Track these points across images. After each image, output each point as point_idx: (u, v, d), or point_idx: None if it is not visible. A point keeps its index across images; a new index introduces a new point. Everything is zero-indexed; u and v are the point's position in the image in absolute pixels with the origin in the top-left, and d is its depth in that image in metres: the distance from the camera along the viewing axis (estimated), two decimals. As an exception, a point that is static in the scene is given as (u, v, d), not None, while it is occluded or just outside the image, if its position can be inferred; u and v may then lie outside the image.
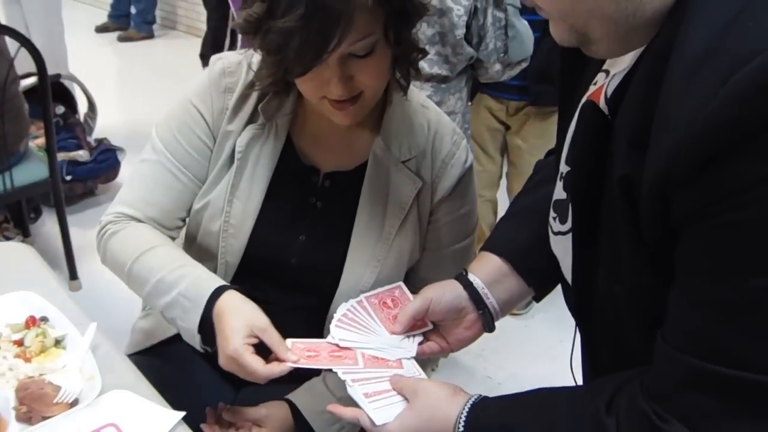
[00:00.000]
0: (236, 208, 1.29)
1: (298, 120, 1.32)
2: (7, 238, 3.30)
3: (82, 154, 3.80)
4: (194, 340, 1.20)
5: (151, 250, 1.28)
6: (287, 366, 1.09)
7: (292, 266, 1.32)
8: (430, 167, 1.31)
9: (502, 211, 2.97)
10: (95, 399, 1.16)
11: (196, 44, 6.00)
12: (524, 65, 2.18)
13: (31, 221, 3.61)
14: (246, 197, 1.30)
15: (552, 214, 1.03)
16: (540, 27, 2.22)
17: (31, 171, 2.98)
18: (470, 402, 0.97)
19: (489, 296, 1.16)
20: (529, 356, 2.80)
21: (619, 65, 0.87)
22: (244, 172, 1.30)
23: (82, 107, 3.94)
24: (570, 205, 0.93)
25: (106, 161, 3.84)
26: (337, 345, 1.14)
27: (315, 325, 1.32)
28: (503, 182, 2.97)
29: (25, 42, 2.74)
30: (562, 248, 1.00)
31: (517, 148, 2.76)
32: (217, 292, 1.17)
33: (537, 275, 1.18)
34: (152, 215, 1.33)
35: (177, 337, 1.31)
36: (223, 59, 1.34)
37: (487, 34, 2.04)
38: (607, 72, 0.92)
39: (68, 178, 3.69)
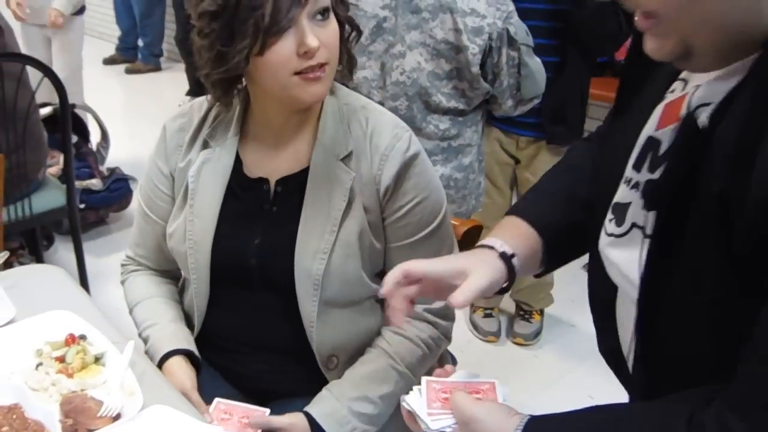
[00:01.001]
0: (197, 227, 1.43)
1: (245, 139, 1.45)
2: (22, 264, 3.33)
3: (95, 183, 3.85)
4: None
5: (137, 305, 1.57)
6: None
7: (252, 267, 1.41)
8: (369, 162, 1.38)
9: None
10: (137, 414, 1.20)
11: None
12: (536, 102, 2.24)
13: (44, 248, 3.62)
14: (203, 215, 1.43)
15: (609, 215, 1.02)
16: (552, 68, 2.30)
17: (49, 199, 3.03)
18: (524, 422, 0.95)
19: (517, 270, 1.14)
20: (539, 386, 2.82)
21: (701, 76, 0.87)
22: (199, 193, 1.44)
23: (94, 137, 3.99)
24: (645, 211, 0.92)
25: (118, 190, 3.90)
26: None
27: (294, 324, 1.41)
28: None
29: (48, 73, 2.80)
30: (617, 251, 0.99)
31: (527, 181, 2.80)
32: (164, 358, 1.44)
33: (556, 261, 1.21)
34: (141, 253, 1.60)
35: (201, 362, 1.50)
36: (175, 113, 1.53)
37: (501, 72, 2.10)
38: (685, 81, 0.92)
39: (82, 206, 3.69)
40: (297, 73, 1.25)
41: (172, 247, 1.49)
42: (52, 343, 1.37)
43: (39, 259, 3.47)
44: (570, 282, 3.35)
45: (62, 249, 3.64)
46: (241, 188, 1.44)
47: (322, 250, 1.36)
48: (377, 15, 2.11)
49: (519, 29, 2.09)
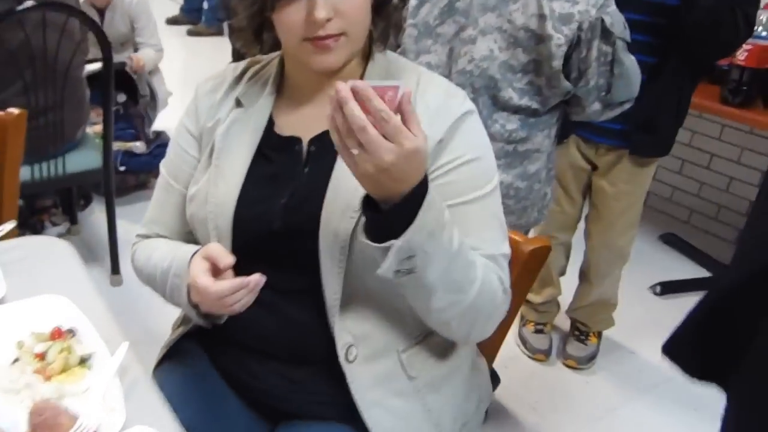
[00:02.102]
0: (220, 189, 1.29)
1: (280, 99, 1.35)
2: (54, 224, 3.23)
3: (138, 146, 3.74)
4: (192, 314, 1.27)
5: (154, 251, 1.38)
6: (236, 280, 1.14)
7: (276, 233, 1.26)
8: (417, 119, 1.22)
9: (576, 256, 2.83)
10: (117, 434, 1.00)
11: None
12: (627, 106, 1.93)
13: (80, 208, 3.55)
14: (228, 177, 1.30)
15: None
16: (647, 69, 2.00)
17: (85, 159, 2.91)
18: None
19: None
20: (588, 417, 2.57)
21: None
22: (225, 153, 1.31)
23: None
24: None
25: (162, 155, 3.69)
26: None
27: (317, 314, 1.26)
28: (581, 224, 2.75)
29: (93, 26, 2.65)
30: None
31: (601, 191, 2.54)
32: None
33: None
34: (159, 231, 1.44)
35: (211, 374, 1.37)
36: (209, 75, 1.44)
37: (589, 69, 1.81)
38: None
39: (122, 168, 3.62)
40: (306, 40, 1.17)
41: (191, 214, 1.34)
42: (37, 335, 1.19)
43: (73, 220, 3.41)
44: (634, 304, 3.14)
45: (99, 210, 3.49)
46: (271, 149, 1.31)
47: (353, 207, 1.18)
48: None
49: (616, 20, 1.79)
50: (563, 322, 2.95)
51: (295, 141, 1.30)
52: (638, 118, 2.24)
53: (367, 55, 1.30)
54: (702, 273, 3.51)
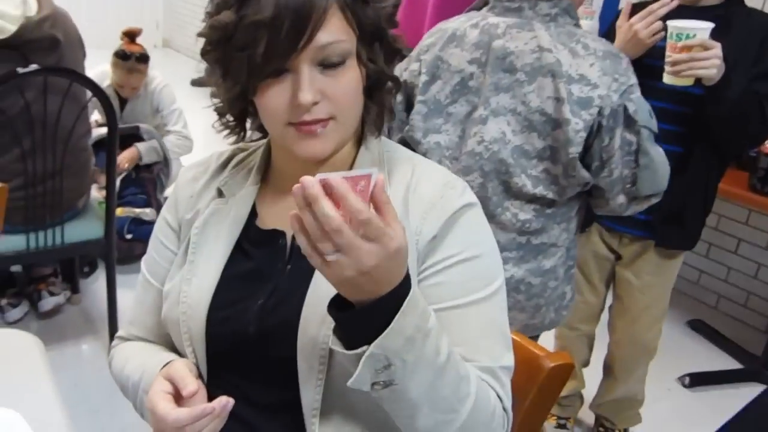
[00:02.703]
0: (193, 288, 1.19)
1: (264, 189, 1.26)
2: (52, 294, 3.13)
3: (148, 212, 3.68)
4: None
5: (128, 361, 1.28)
6: (197, 409, 1.03)
7: (250, 339, 1.15)
8: (409, 216, 1.14)
9: (599, 346, 2.67)
10: None
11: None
12: (654, 201, 1.79)
13: (84, 276, 3.46)
14: (203, 275, 1.19)
15: None
16: (673, 159, 1.88)
17: (86, 228, 2.82)
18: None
19: None
20: None
21: None
22: (201, 248, 1.21)
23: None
24: None
25: (171, 224, 3.65)
26: None
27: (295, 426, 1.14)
28: (604, 315, 2.62)
29: (97, 92, 2.58)
30: None
31: (626, 282, 2.42)
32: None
33: None
34: (138, 334, 1.33)
35: None
36: (192, 162, 1.36)
37: (612, 159, 1.67)
38: None
39: (128, 236, 3.54)
40: (290, 125, 1.07)
41: (164, 314, 1.23)
42: None
43: (74, 289, 3.32)
44: (662, 396, 2.98)
45: (104, 278, 3.32)
46: (252, 244, 1.21)
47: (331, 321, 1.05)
48: (462, 70, 1.75)
49: (641, 108, 1.67)
50: (588, 416, 2.80)
51: (279, 235, 1.20)
52: (664, 208, 2.11)
53: (359, 142, 1.21)
54: (731, 363, 3.37)
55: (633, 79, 1.67)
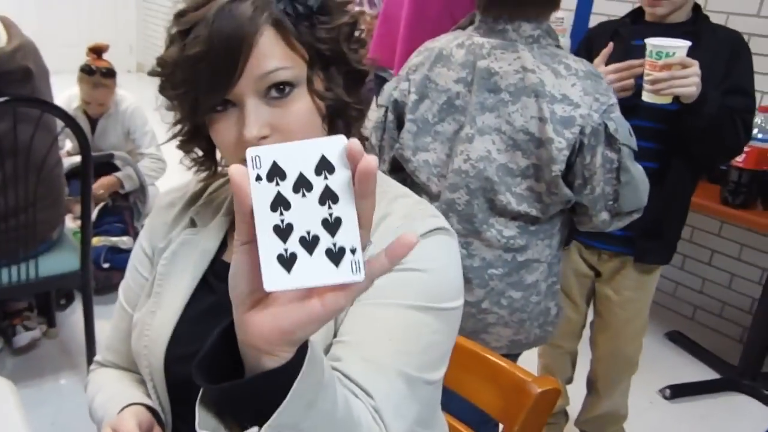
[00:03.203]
0: (156, 322, 1.17)
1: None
2: (27, 328, 3.08)
3: (125, 241, 3.65)
4: None
5: (98, 393, 1.26)
6: None
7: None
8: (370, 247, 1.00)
9: (583, 364, 2.66)
10: None
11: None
12: (635, 216, 1.83)
13: (61, 309, 3.42)
14: (166, 308, 1.17)
15: None
16: (652, 175, 1.91)
17: (61, 261, 2.77)
18: None
19: None
20: None
21: None
22: (167, 281, 1.19)
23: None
24: None
25: (149, 251, 3.62)
26: None
27: None
28: (585, 332, 2.63)
29: (69, 121, 2.55)
30: None
31: (606, 298, 2.43)
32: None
33: None
34: (113, 360, 1.33)
35: None
36: (170, 187, 1.34)
37: (594, 176, 1.71)
38: None
39: (106, 265, 3.51)
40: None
41: (132, 346, 1.21)
42: None
43: (50, 322, 3.26)
44: (644, 409, 3.02)
45: (81, 310, 3.31)
46: (216, 277, 1.18)
47: None
48: (449, 89, 1.77)
49: (621, 126, 1.69)
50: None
51: None
52: (643, 224, 2.11)
53: None
54: (710, 373, 3.41)
55: (613, 99, 1.70)
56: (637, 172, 1.73)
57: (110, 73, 3.58)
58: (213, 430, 0.74)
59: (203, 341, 1.06)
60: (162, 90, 1.07)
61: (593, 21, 4.10)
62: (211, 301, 1.16)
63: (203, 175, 1.20)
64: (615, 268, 2.38)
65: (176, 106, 1.07)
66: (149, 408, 1.15)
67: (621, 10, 3.89)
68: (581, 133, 1.66)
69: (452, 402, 1.31)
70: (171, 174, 3.92)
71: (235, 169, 0.63)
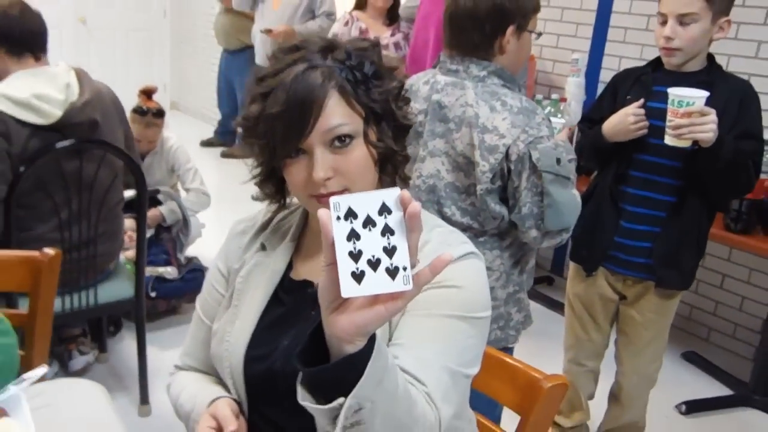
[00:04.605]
0: (236, 329, 1.39)
1: (300, 246, 1.45)
2: (82, 353, 3.29)
3: (170, 271, 3.83)
4: None
5: (183, 390, 1.48)
6: None
7: (277, 373, 1.33)
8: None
9: (603, 380, 2.85)
10: None
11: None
12: (565, 236, 2.04)
13: (110, 335, 3.61)
14: (244, 318, 1.39)
15: None
16: (667, 208, 2.28)
17: (117, 288, 2.98)
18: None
19: None
20: None
21: None
22: (244, 295, 1.41)
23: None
24: None
25: (193, 280, 3.85)
26: None
27: None
28: (608, 350, 2.82)
29: (127, 159, 2.79)
30: None
31: (631, 319, 2.62)
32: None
33: None
34: (192, 364, 1.55)
35: None
36: (242, 216, 1.58)
37: (521, 198, 1.97)
38: None
39: (153, 294, 3.69)
40: (313, 197, 1.26)
41: (212, 350, 1.44)
42: None
43: (102, 348, 3.46)
44: (660, 425, 3.15)
45: (129, 336, 3.57)
46: (285, 292, 1.41)
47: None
48: (416, 118, 2.05)
49: (544, 156, 1.93)
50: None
51: (308, 284, 1.39)
52: (662, 253, 2.41)
53: None
54: (723, 390, 3.56)
55: (543, 132, 1.95)
56: (561, 196, 1.96)
57: (160, 113, 3.84)
58: (310, 402, 0.98)
59: (276, 344, 1.33)
60: (245, 138, 1.30)
61: (605, 62, 4.36)
62: (281, 312, 1.39)
63: (273, 207, 1.44)
64: (639, 292, 2.57)
65: (256, 152, 1.31)
66: (234, 400, 1.38)
67: (632, 52, 4.19)
68: (507, 160, 1.94)
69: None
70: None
71: (323, 213, 0.87)
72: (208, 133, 7.83)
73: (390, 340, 1.26)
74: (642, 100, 2.32)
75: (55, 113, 2.55)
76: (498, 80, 2.02)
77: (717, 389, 3.58)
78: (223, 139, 7.65)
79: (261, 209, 1.53)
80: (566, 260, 4.68)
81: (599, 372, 2.83)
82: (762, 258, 3.68)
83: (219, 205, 4.04)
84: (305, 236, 1.46)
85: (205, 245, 4.12)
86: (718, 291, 3.88)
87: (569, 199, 1.99)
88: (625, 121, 2.32)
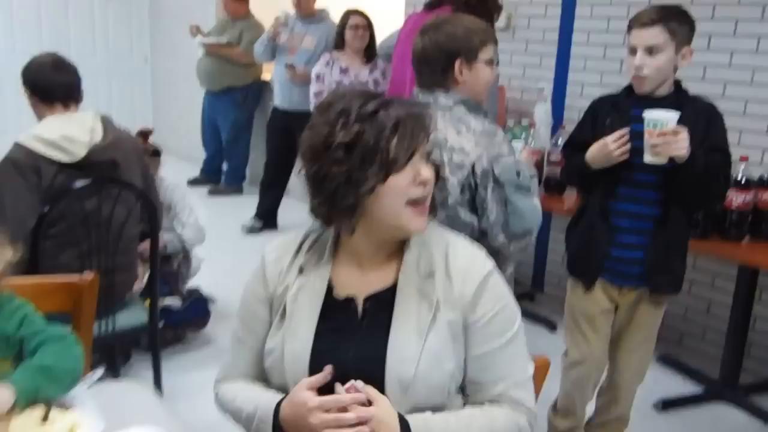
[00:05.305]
0: (295, 346, 1.58)
1: (335, 264, 1.64)
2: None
3: (174, 302, 4.00)
4: None
5: (239, 393, 1.67)
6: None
7: (350, 379, 1.52)
8: (451, 281, 1.57)
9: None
10: None
11: (282, 201, 6.36)
12: (528, 238, 2.34)
13: (120, 364, 3.72)
14: (300, 335, 1.58)
15: None
16: (653, 220, 2.55)
17: (131, 316, 3.18)
18: None
19: None
20: None
21: None
22: (296, 315, 1.60)
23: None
24: None
25: (196, 310, 4.06)
26: None
27: None
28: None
29: (142, 196, 3.03)
30: None
31: (626, 323, 2.81)
32: (277, 407, 1.54)
33: None
34: (236, 376, 1.72)
35: None
36: (272, 244, 1.74)
37: (487, 207, 2.27)
38: None
39: (160, 324, 3.82)
40: (409, 204, 1.51)
41: (269, 366, 1.63)
42: None
43: (116, 376, 3.56)
44: (639, 422, 3.25)
45: (138, 366, 3.72)
46: (332, 309, 1.60)
47: (411, 357, 1.50)
48: None
49: (505, 170, 2.26)
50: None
51: (351, 300, 1.61)
52: (653, 262, 2.64)
53: None
54: (697, 388, 3.81)
55: (503, 150, 2.29)
56: (521, 203, 2.29)
57: (157, 153, 3.99)
58: None
59: (336, 354, 1.57)
60: (320, 177, 1.52)
61: (569, 89, 4.70)
62: (332, 326, 1.59)
63: (302, 232, 1.69)
64: (634, 299, 2.75)
65: (333, 186, 1.50)
66: None
67: (593, 79, 4.50)
68: (473, 175, 2.25)
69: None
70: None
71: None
72: (194, 172, 7.94)
73: (466, 374, 1.59)
74: (628, 128, 2.52)
75: (80, 152, 2.84)
76: (464, 107, 2.33)
77: (690, 387, 3.82)
78: (209, 177, 7.78)
79: (287, 237, 1.72)
80: (546, 275, 4.94)
81: (599, 382, 2.95)
82: (722, 263, 3.92)
83: (207, 242, 4.24)
84: (339, 255, 1.65)
85: (201, 278, 4.28)
86: (687, 297, 4.08)
87: (529, 206, 2.31)
88: (604, 149, 2.54)
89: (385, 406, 1.47)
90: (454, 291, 1.56)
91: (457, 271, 1.57)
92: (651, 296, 2.72)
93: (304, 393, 1.49)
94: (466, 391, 1.61)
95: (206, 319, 4.15)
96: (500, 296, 1.60)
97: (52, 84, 2.94)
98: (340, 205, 1.52)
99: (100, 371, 1.84)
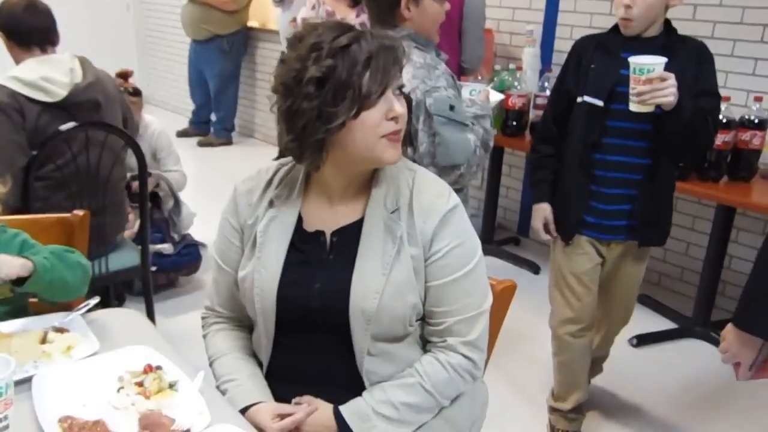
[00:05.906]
0: (264, 276, 1.62)
1: (306, 198, 1.67)
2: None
3: (166, 247, 4.09)
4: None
5: (217, 359, 1.75)
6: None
7: (314, 310, 1.61)
8: (414, 216, 1.59)
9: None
10: (205, 429, 1.40)
11: (272, 151, 6.39)
12: (457, 173, 2.40)
13: (116, 306, 3.76)
14: (269, 266, 1.62)
15: None
16: (642, 170, 2.52)
17: (124, 258, 3.27)
18: None
19: None
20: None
21: None
22: (266, 246, 1.64)
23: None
24: None
25: (189, 255, 4.15)
26: None
27: (348, 359, 1.62)
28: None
29: (130, 141, 3.08)
30: None
31: (615, 272, 2.81)
32: (243, 411, 1.60)
33: None
34: (218, 302, 1.80)
35: None
36: (244, 176, 1.76)
37: (418, 138, 2.34)
38: None
39: (153, 268, 3.85)
40: (383, 136, 1.51)
41: (243, 293, 1.69)
42: (131, 372, 1.58)
43: None
44: (615, 355, 3.25)
45: (132, 309, 3.77)
46: (301, 241, 1.64)
47: (374, 290, 1.55)
48: None
49: (437, 102, 2.33)
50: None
51: (320, 234, 1.64)
52: (643, 213, 2.60)
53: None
54: (671, 326, 3.94)
55: (440, 83, 2.35)
56: (449, 135, 2.35)
57: (137, 92, 4.04)
58: None
59: (304, 286, 1.64)
60: (289, 111, 1.51)
61: (558, 32, 4.64)
62: (302, 259, 1.63)
63: (273, 165, 1.72)
64: (620, 251, 2.74)
65: (303, 123, 1.50)
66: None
67: (582, 21, 4.44)
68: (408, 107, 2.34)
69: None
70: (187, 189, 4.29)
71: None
72: (183, 123, 7.98)
73: (425, 304, 1.63)
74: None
75: (61, 93, 2.88)
76: (412, 42, 2.38)
77: (665, 325, 3.94)
78: (198, 128, 7.81)
79: (260, 169, 1.74)
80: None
81: (593, 342, 2.94)
82: (702, 206, 4.02)
83: (199, 192, 4.26)
84: (310, 189, 1.67)
85: (194, 227, 4.35)
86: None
87: (459, 140, 2.37)
88: (535, 226, 2.76)
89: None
90: (416, 227, 1.59)
91: (420, 208, 1.59)
92: (639, 248, 2.72)
93: (267, 420, 1.60)
94: (426, 319, 1.67)
95: (198, 264, 4.23)
96: (459, 233, 1.61)
97: (26, 27, 2.94)
98: (308, 139, 1.51)
99: (95, 300, 1.92)
